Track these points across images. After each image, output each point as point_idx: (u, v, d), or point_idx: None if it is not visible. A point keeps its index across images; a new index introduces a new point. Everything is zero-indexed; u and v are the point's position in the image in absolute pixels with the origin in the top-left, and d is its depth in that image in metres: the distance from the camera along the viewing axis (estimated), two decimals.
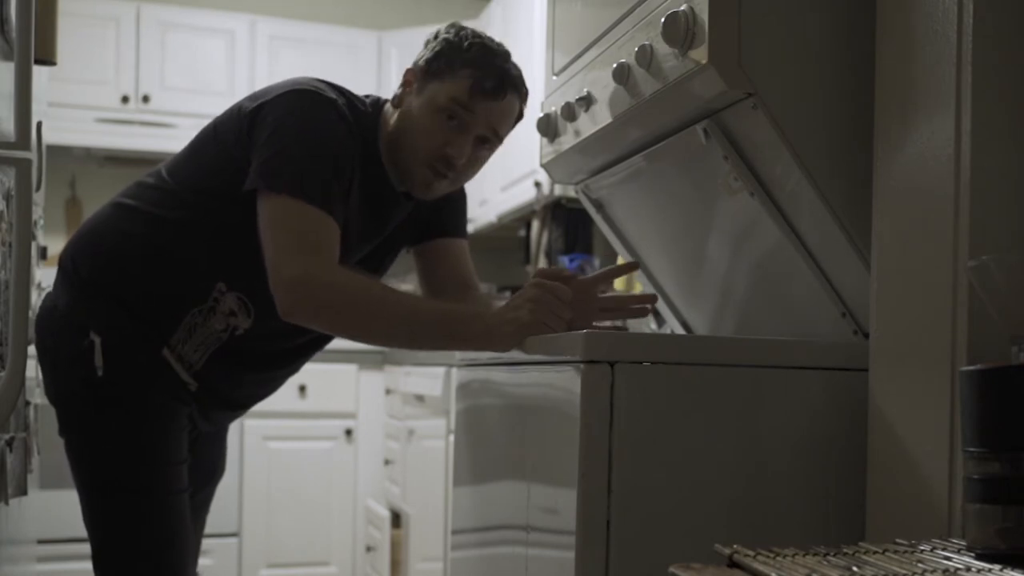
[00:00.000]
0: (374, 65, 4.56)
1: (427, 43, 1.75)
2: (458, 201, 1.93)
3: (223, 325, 1.71)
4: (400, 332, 1.61)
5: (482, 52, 1.69)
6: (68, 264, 1.76)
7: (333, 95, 1.68)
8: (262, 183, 1.59)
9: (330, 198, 1.59)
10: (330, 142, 1.63)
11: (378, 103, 1.78)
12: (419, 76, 1.72)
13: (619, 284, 2.86)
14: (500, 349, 1.54)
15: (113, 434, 1.69)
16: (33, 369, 2.19)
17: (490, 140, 1.71)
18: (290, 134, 1.61)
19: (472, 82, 1.67)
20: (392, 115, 1.75)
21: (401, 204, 1.79)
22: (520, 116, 1.77)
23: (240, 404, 1.89)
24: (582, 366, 1.31)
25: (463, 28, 1.73)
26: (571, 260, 3.34)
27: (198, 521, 1.88)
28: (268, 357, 1.82)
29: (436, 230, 1.89)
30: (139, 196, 1.76)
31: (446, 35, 1.71)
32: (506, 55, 1.72)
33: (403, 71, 1.77)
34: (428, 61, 1.71)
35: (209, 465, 1.92)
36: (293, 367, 1.89)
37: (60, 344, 1.73)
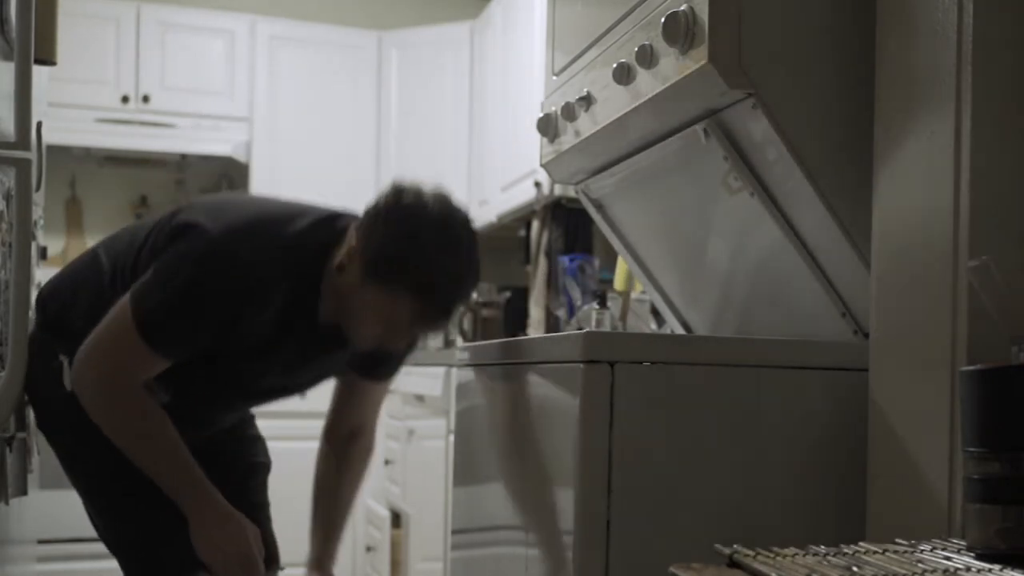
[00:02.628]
0: (374, 65, 4.55)
1: (373, 216, 1.58)
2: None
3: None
4: (151, 469, 1.66)
5: (430, 271, 1.54)
6: (41, 299, 1.82)
7: (250, 255, 1.60)
8: (131, 297, 1.61)
9: (172, 350, 1.62)
10: (211, 308, 1.61)
11: (336, 233, 1.64)
12: (361, 264, 1.57)
13: (620, 285, 2.84)
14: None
15: (86, 443, 1.71)
16: None
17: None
18: (179, 279, 1.60)
19: (413, 314, 1.57)
20: (338, 273, 1.62)
21: (321, 340, 1.73)
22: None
23: (211, 424, 1.91)
24: (582, 366, 1.31)
25: (413, 216, 1.55)
26: (571, 260, 3.34)
27: (257, 522, 1.91)
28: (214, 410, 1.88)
29: (359, 368, 1.89)
30: (110, 253, 1.79)
31: (395, 228, 1.55)
32: (458, 251, 1.57)
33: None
34: (371, 262, 1.56)
35: (240, 462, 2.00)
36: (251, 409, 1.97)
37: (34, 362, 1.72)
